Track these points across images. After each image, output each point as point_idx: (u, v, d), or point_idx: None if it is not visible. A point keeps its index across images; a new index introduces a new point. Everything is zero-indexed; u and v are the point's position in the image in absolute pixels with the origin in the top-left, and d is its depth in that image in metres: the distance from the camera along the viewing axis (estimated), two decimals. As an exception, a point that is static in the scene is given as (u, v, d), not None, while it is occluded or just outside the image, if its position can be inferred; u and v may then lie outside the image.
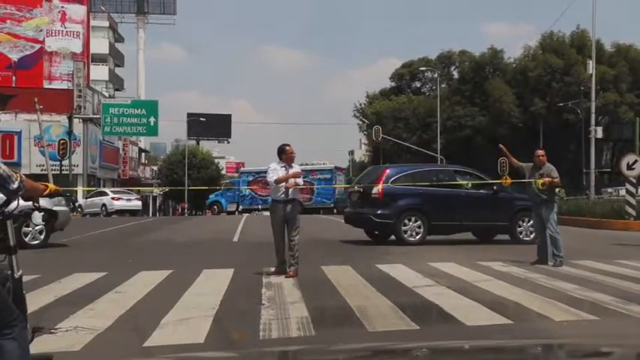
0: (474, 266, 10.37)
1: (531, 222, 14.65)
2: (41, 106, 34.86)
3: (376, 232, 15.50)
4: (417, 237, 14.47)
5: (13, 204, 3.57)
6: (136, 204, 38.51)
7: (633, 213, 20.93)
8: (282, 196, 9.60)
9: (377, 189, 14.57)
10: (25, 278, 3.79)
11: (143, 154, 71.11)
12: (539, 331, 5.97)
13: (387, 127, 54.17)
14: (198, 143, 72.52)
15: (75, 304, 6.93)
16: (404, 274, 9.56)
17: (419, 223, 14.47)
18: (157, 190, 64.56)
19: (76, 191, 22.92)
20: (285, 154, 9.63)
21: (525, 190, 11.75)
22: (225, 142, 79.16)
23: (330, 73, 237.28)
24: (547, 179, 11.05)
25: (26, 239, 13.28)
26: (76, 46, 47.92)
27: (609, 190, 39.02)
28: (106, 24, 64.19)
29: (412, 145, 53.60)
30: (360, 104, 65.53)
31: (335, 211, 51.43)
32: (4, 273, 3.53)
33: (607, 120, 48.59)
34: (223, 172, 75.53)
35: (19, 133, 40.50)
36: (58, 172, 34.57)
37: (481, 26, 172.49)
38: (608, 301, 7.36)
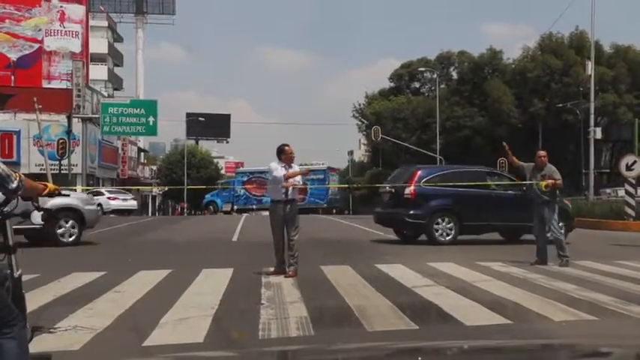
0: (473, 266, 10.37)
1: (560, 223, 14.87)
2: (40, 106, 34.79)
3: (405, 232, 15.66)
4: (449, 237, 14.66)
5: (13, 203, 3.57)
6: (132, 204, 39.47)
7: (632, 213, 20.96)
8: (282, 196, 9.59)
9: (409, 190, 14.73)
10: (24, 277, 3.79)
11: (142, 153, 71.07)
12: (539, 332, 5.97)
13: (386, 128, 54.17)
14: (197, 143, 72.52)
15: (74, 304, 6.93)
16: (403, 274, 9.56)
17: (450, 223, 14.65)
18: (156, 190, 64.56)
19: (75, 190, 22.83)
20: (284, 154, 9.63)
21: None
22: (225, 141, 79.20)
23: (329, 73, 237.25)
24: (550, 181, 11.03)
25: (61, 238, 14.23)
26: (75, 45, 47.89)
27: (607, 190, 39.06)
28: (105, 24, 64.16)
29: (411, 145, 53.59)
30: (359, 104, 65.56)
31: (334, 211, 51.46)
32: (3, 272, 3.52)
33: (606, 121, 48.58)
34: (222, 171, 75.55)
35: (18, 133, 40.47)
36: (57, 171, 34.53)
37: (480, 27, 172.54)
38: (608, 301, 7.37)
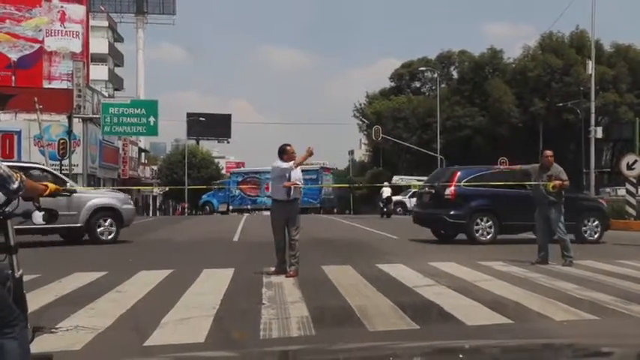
0: (474, 266, 10.37)
1: (596, 222, 15.35)
2: (41, 106, 34.80)
3: (443, 232, 15.85)
4: (489, 237, 14.86)
5: (14, 203, 3.58)
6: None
7: (633, 213, 20.96)
8: (285, 196, 9.59)
9: (450, 190, 14.92)
10: (25, 278, 3.79)
11: (143, 153, 71.04)
12: (540, 331, 5.97)
13: (387, 127, 54.16)
14: (198, 143, 72.50)
15: (75, 304, 6.93)
16: (404, 273, 9.57)
17: (490, 223, 14.85)
18: (156, 190, 64.53)
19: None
20: (286, 154, 9.63)
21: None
22: (225, 141, 79.17)
23: (330, 73, 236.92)
24: (557, 182, 11.00)
25: (101, 236, 15.12)
26: (76, 45, 47.88)
27: (607, 190, 39.02)
28: (106, 24, 64.12)
29: (412, 145, 53.60)
30: (360, 104, 65.58)
31: (335, 210, 51.45)
32: (4, 272, 3.53)
33: (607, 120, 48.57)
34: (223, 171, 75.52)
35: (18, 133, 40.45)
36: (58, 171, 34.53)
37: (480, 26, 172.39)
38: (609, 300, 7.37)
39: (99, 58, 60.83)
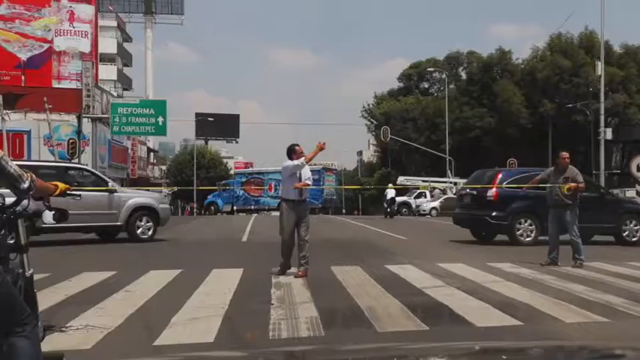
0: (483, 267, 10.34)
1: (636, 224, 15.55)
2: (50, 106, 34.93)
3: (483, 233, 15.98)
4: (529, 238, 14.97)
5: (24, 203, 3.59)
6: None
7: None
8: (297, 195, 9.59)
9: (492, 192, 15.08)
10: (35, 277, 3.81)
11: (152, 153, 71.23)
12: (550, 333, 5.94)
13: (396, 128, 54.15)
14: (206, 143, 72.63)
15: (85, 303, 6.95)
16: (413, 274, 9.55)
17: (532, 224, 14.95)
18: (165, 190, 64.65)
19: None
20: (295, 154, 9.62)
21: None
22: (234, 142, 79.26)
23: (339, 73, 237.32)
24: (573, 185, 10.93)
25: (139, 234, 15.50)
26: (85, 45, 48.01)
27: (615, 191, 38.88)
28: (114, 24, 64.31)
29: (420, 145, 53.54)
30: (369, 105, 65.57)
31: (344, 211, 51.45)
32: (15, 271, 3.54)
33: (616, 121, 48.39)
34: (232, 172, 75.69)
35: (28, 133, 40.61)
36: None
37: (489, 27, 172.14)
38: (619, 303, 7.33)
39: (108, 58, 61.02)
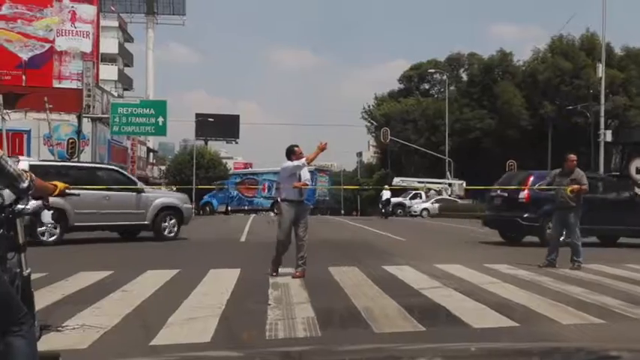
0: (480, 268, 10.34)
1: None
2: (51, 105, 34.95)
3: (512, 235, 16.17)
4: (561, 239, 14.83)
5: (23, 202, 3.60)
6: None
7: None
8: (297, 196, 9.59)
9: (524, 194, 15.24)
10: (32, 276, 3.81)
11: (151, 153, 71.20)
12: (547, 335, 5.94)
13: (396, 129, 54.16)
14: (206, 143, 72.54)
15: (82, 303, 6.95)
16: (411, 275, 9.56)
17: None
18: (164, 190, 64.56)
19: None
20: (294, 155, 9.62)
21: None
22: (234, 142, 79.16)
23: (339, 74, 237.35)
24: (576, 186, 10.93)
25: (164, 233, 15.93)
26: (86, 45, 48.02)
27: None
28: (116, 24, 64.31)
29: (420, 147, 53.56)
30: (369, 106, 65.58)
31: (342, 212, 51.44)
32: (13, 271, 3.55)
33: (616, 123, 48.39)
34: (231, 172, 75.68)
35: (28, 132, 40.60)
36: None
37: (490, 28, 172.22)
38: (616, 304, 7.34)
39: (109, 58, 61.01)
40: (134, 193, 15.75)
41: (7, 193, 3.54)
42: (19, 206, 3.58)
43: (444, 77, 57.84)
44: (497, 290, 8.28)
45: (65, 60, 47.71)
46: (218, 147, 78.53)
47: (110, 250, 14.11)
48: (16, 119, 40.97)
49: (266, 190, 46.27)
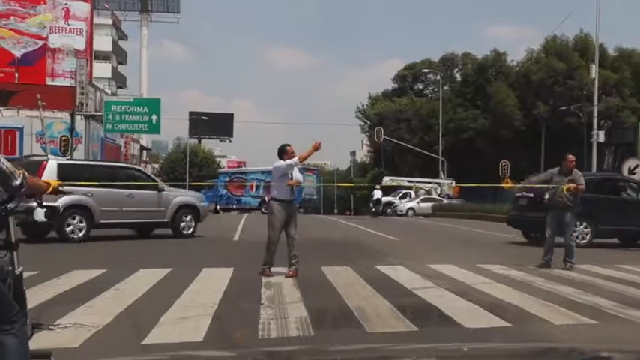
0: (473, 269, 10.36)
1: None
2: (44, 103, 34.84)
3: (536, 234, 16.04)
4: (584, 240, 15.42)
5: (16, 200, 3.58)
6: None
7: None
8: (289, 195, 9.59)
9: None
10: (25, 274, 3.80)
11: (145, 151, 71.07)
12: (539, 335, 5.96)
13: (389, 129, 54.20)
14: (199, 142, 72.50)
15: (74, 301, 6.94)
16: (403, 275, 9.57)
17: (587, 227, 15.50)
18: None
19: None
20: (286, 154, 9.61)
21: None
22: (227, 141, 79.15)
23: (333, 73, 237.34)
24: (572, 185, 10.93)
25: (183, 231, 16.38)
26: (80, 43, 47.86)
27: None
28: (110, 21, 64.15)
29: (414, 146, 53.63)
30: (363, 105, 65.63)
31: (349, 212, 51.62)
32: (5, 269, 3.53)
33: (609, 124, 48.56)
34: (220, 171, 75.73)
35: (21, 130, 40.42)
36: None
37: (484, 28, 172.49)
38: (608, 305, 7.37)
39: (102, 56, 60.85)
40: (155, 192, 16.21)
41: None
42: (11, 205, 3.56)
43: (438, 77, 57.92)
44: (489, 290, 8.30)
45: (58, 57, 47.55)
46: (212, 145, 78.57)
47: (104, 248, 14.08)
48: (8, 116, 40.84)
49: (254, 190, 46.50)
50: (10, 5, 46.46)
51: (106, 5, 64.53)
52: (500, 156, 42.93)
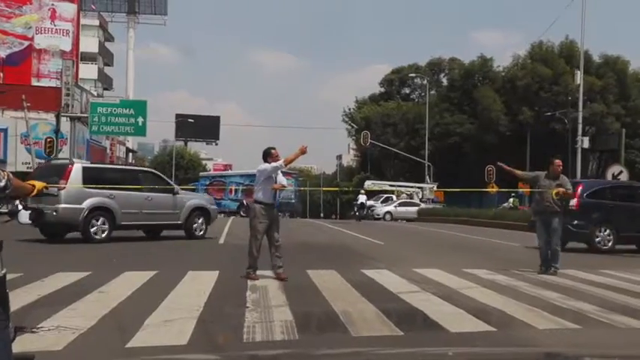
0: (459, 273, 10.39)
1: None
2: (29, 104, 34.67)
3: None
4: (607, 246, 15.78)
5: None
6: None
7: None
8: (272, 199, 9.57)
9: (574, 201, 15.49)
10: (8, 277, 3.76)
11: (131, 154, 70.76)
12: (523, 339, 5.99)
13: (376, 133, 54.33)
14: (186, 144, 72.33)
15: (58, 304, 6.88)
16: (389, 279, 9.57)
17: (610, 233, 15.93)
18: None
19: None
20: (271, 157, 9.60)
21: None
22: (213, 143, 79.02)
23: (320, 77, 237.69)
24: (561, 190, 10.97)
25: (195, 232, 16.89)
26: (66, 44, 47.67)
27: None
28: (97, 23, 63.87)
29: (400, 151, 53.76)
30: (349, 109, 65.76)
31: (335, 216, 51.53)
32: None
33: (594, 130, 48.90)
34: (201, 174, 75.59)
35: (5, 130, 40.18)
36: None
37: (471, 34, 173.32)
38: (591, 310, 7.41)
39: (89, 57, 60.58)
40: (170, 194, 16.70)
41: None
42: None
43: (425, 82, 58.16)
44: (475, 295, 8.32)
45: (44, 58, 47.32)
46: (198, 148, 78.43)
47: (88, 250, 13.98)
48: (-8, 117, 40.55)
49: (233, 193, 46.67)
50: (-5, 5, 46.18)
51: (93, 6, 64.28)
52: (485, 161, 43.13)
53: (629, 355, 3.48)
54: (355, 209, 38.15)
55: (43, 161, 35.05)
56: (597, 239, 15.81)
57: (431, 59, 62.74)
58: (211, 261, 11.72)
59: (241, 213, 37.76)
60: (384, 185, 49.40)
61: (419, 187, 48.35)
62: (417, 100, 64.02)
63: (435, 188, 46.54)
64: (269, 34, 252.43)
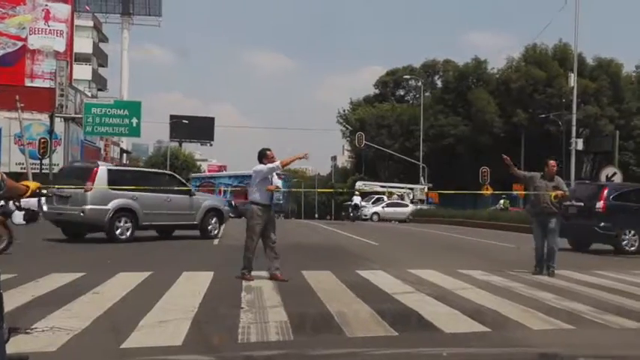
0: (454, 274, 10.40)
1: None
2: (22, 104, 34.55)
3: (578, 241, 16.68)
4: (633, 248, 15.99)
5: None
6: None
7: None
8: (268, 200, 9.56)
9: (600, 204, 15.92)
10: (2, 277, 3.75)
11: (125, 154, 70.63)
12: (517, 340, 6.00)
13: (370, 134, 54.38)
14: (180, 145, 72.19)
15: (52, 305, 6.86)
16: (384, 280, 9.58)
17: (635, 235, 16.16)
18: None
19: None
20: (266, 158, 9.59)
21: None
22: (208, 144, 78.89)
23: (315, 78, 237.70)
24: (560, 192, 11.02)
25: (210, 232, 17.38)
26: (60, 44, 47.55)
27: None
28: (91, 23, 63.74)
29: (395, 152, 53.82)
30: (344, 110, 65.78)
31: (329, 217, 51.54)
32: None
33: (587, 132, 49.06)
34: (191, 176, 75.49)
35: (-2, 131, 40.10)
36: (38, 170, 34.28)
37: (466, 36, 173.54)
38: (586, 310, 7.43)
39: (83, 58, 60.46)
40: (187, 196, 17.11)
41: None
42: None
43: (419, 83, 58.25)
44: (469, 296, 8.33)
45: (38, 58, 47.18)
46: (193, 149, 78.29)
47: (82, 251, 13.96)
48: (-14, 118, 40.42)
49: (221, 194, 46.75)
50: (-11, 6, 46.05)
51: (87, 7, 64.13)
52: (480, 162, 43.23)
53: (623, 355, 3.50)
54: (349, 210, 38.24)
55: (37, 162, 35.04)
56: (624, 242, 15.99)
57: (425, 61, 62.91)
58: (206, 262, 11.71)
59: (230, 214, 37.82)
60: (375, 186, 49.45)
61: (410, 188, 48.48)
62: (411, 101, 64.11)
63: (426, 189, 46.68)
64: (263, 35, 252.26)
